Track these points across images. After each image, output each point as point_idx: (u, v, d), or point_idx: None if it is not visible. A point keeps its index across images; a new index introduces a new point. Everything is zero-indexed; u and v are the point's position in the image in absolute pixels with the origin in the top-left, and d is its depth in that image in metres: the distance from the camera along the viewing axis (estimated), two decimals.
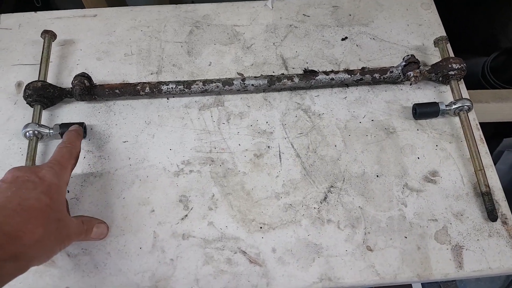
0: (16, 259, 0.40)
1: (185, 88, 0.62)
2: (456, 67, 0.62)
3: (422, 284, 0.74)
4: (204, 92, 0.64)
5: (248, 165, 0.60)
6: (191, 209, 0.57)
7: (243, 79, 0.63)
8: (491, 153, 0.62)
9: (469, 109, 0.61)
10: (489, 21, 1.19)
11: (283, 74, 0.64)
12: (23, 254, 0.41)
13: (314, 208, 0.57)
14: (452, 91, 0.63)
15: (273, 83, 0.63)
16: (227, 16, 0.73)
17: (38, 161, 0.58)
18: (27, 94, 0.60)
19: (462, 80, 0.65)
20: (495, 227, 0.55)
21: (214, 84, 0.63)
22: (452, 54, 0.67)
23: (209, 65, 0.68)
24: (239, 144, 0.61)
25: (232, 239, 0.55)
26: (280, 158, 0.60)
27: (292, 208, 0.57)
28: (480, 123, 0.64)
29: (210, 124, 0.63)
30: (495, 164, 0.76)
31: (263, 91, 0.65)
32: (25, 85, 0.61)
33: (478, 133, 0.62)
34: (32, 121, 0.59)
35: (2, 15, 0.73)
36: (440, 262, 0.53)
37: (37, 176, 0.46)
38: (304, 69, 0.64)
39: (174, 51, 0.69)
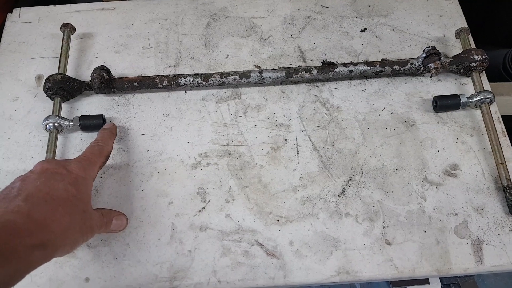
0: (44, 246, 0.41)
1: (203, 81, 0.62)
2: (477, 59, 0.60)
3: (440, 278, 0.73)
4: (221, 85, 0.64)
5: (265, 158, 0.60)
6: (209, 201, 0.57)
7: (261, 72, 0.63)
8: None
9: (491, 101, 0.59)
10: (511, 12, 1.16)
11: (301, 66, 0.64)
12: (50, 242, 0.41)
13: (332, 201, 0.56)
14: (474, 83, 0.62)
15: (290, 76, 0.62)
16: (244, 8, 0.73)
17: (58, 153, 0.59)
18: (47, 87, 0.60)
19: (483, 72, 0.64)
20: None
21: (231, 76, 0.62)
22: (473, 46, 0.66)
23: (226, 57, 0.68)
24: (256, 137, 0.61)
25: (249, 231, 0.55)
26: (297, 151, 0.60)
27: (309, 201, 0.56)
28: (501, 116, 0.62)
29: (227, 117, 0.63)
30: None
31: (281, 84, 0.65)
32: (45, 78, 0.62)
33: (500, 126, 0.61)
34: (52, 113, 0.59)
35: (22, 9, 0.73)
36: (459, 257, 0.53)
37: (65, 169, 0.48)
38: (322, 61, 0.63)
39: (192, 44, 0.69)
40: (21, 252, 0.38)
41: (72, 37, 0.68)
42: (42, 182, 0.45)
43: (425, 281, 0.77)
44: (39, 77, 0.66)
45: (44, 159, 0.57)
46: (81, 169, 0.49)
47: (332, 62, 0.63)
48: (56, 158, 0.58)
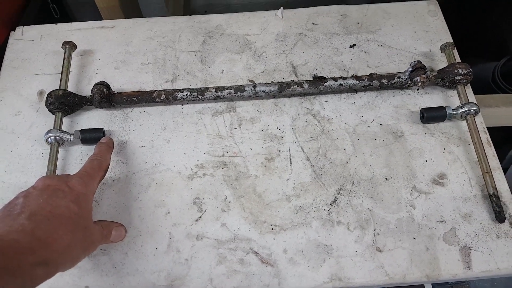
0: (46, 264, 0.41)
1: (199, 95, 0.65)
2: (462, 72, 0.63)
3: (432, 285, 0.74)
4: (217, 99, 0.66)
5: (259, 168, 0.61)
6: (205, 211, 0.58)
7: (254, 86, 0.65)
8: (504, 157, 0.62)
9: (476, 113, 0.62)
10: (500, 26, 1.19)
11: (293, 80, 0.66)
12: (52, 260, 0.42)
13: (324, 210, 0.58)
14: (459, 95, 0.64)
15: (283, 89, 0.65)
16: (238, 26, 0.76)
17: (59, 166, 0.61)
18: (49, 102, 0.62)
19: (468, 84, 0.66)
20: (503, 228, 0.56)
21: (226, 91, 0.65)
22: (458, 60, 0.68)
23: (222, 73, 0.70)
24: (251, 148, 0.63)
25: (244, 240, 0.56)
26: (290, 161, 0.62)
27: (302, 210, 0.58)
28: (491, 127, 0.64)
29: (223, 129, 0.65)
30: (507, 169, 0.76)
31: (274, 97, 0.67)
32: (47, 93, 0.64)
33: (485, 137, 0.63)
34: (54, 127, 0.61)
35: (24, 27, 0.76)
36: (448, 263, 0.54)
37: (67, 186, 0.48)
38: (313, 75, 0.65)
39: (188, 60, 0.72)
40: (25, 270, 0.39)
41: (73, 54, 0.70)
42: (44, 200, 0.45)
43: (420, 286, 0.78)
44: (41, 93, 0.69)
45: (46, 171, 0.58)
46: (82, 185, 0.50)
47: (322, 76, 0.65)
48: (57, 171, 0.60)
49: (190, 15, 0.77)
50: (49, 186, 0.47)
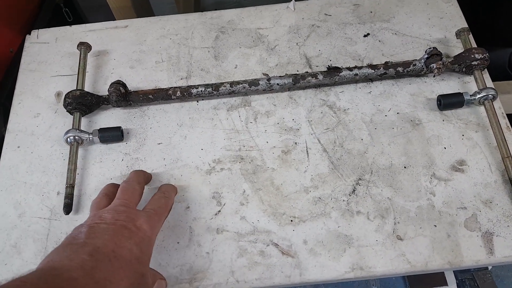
0: None
1: (214, 90, 0.65)
2: (478, 57, 0.62)
3: (454, 273, 0.74)
4: (231, 94, 0.66)
5: (276, 161, 0.62)
6: (224, 204, 0.59)
7: (269, 79, 0.65)
8: None
9: (494, 98, 0.61)
10: None
11: (307, 72, 0.66)
12: None
13: (343, 200, 0.58)
14: (476, 81, 0.63)
15: (297, 82, 0.65)
16: (251, 20, 0.76)
17: (79, 165, 0.62)
18: (66, 102, 0.64)
19: (486, 70, 0.66)
20: None
21: (241, 85, 0.65)
22: (474, 45, 0.67)
23: (235, 67, 0.71)
24: (267, 142, 0.63)
25: (264, 232, 0.57)
26: (307, 153, 0.62)
27: (321, 201, 0.58)
28: (509, 114, 0.63)
29: (239, 123, 0.65)
30: None
31: (288, 90, 0.68)
32: (64, 94, 0.65)
33: (504, 121, 0.62)
34: (72, 127, 0.62)
35: (40, 30, 0.77)
36: (470, 249, 0.54)
37: (134, 225, 0.47)
38: (327, 66, 0.65)
39: (202, 56, 0.72)
40: None
41: (88, 54, 0.71)
42: (109, 236, 0.44)
43: (440, 274, 0.77)
44: (58, 94, 0.70)
45: (66, 170, 0.59)
46: (149, 226, 0.49)
47: (337, 67, 0.65)
48: (77, 170, 0.61)
49: (202, 11, 0.78)
50: (117, 222, 0.47)
